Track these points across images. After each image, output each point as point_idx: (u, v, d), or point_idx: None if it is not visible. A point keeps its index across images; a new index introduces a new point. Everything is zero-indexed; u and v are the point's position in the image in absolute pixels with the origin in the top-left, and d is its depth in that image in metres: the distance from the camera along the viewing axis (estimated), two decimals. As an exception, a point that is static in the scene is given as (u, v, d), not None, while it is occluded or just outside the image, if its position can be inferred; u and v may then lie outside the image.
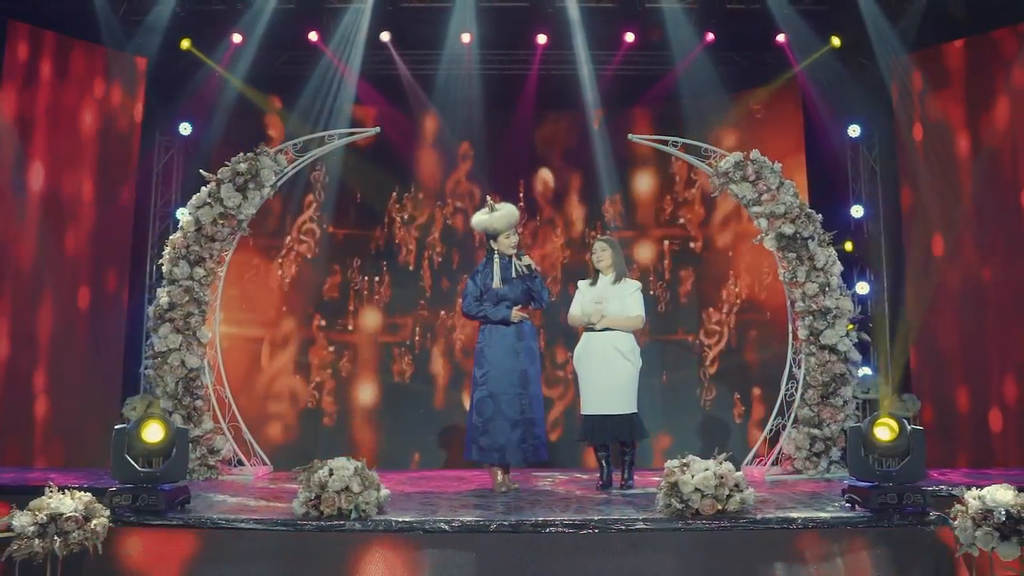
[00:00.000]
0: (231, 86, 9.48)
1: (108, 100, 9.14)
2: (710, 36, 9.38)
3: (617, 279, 6.21)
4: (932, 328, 8.90)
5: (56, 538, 3.86)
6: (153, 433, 4.49)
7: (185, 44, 9.30)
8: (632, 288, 6.22)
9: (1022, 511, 3.91)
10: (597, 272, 6.31)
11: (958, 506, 4.12)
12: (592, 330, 6.16)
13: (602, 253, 6.25)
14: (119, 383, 9.13)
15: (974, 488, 4.14)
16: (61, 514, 3.91)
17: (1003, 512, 3.91)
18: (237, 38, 9.27)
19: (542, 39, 9.44)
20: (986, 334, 8.48)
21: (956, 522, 4.09)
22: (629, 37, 9.42)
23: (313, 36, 9.32)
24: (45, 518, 3.89)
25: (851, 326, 8.71)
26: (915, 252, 9.10)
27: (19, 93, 8.45)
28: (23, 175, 8.43)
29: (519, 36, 9.53)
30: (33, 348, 8.40)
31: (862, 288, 9.93)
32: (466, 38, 9.30)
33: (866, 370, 9.64)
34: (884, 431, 4.49)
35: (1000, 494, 3.98)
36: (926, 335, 8.97)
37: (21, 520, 3.90)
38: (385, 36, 9.38)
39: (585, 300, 6.24)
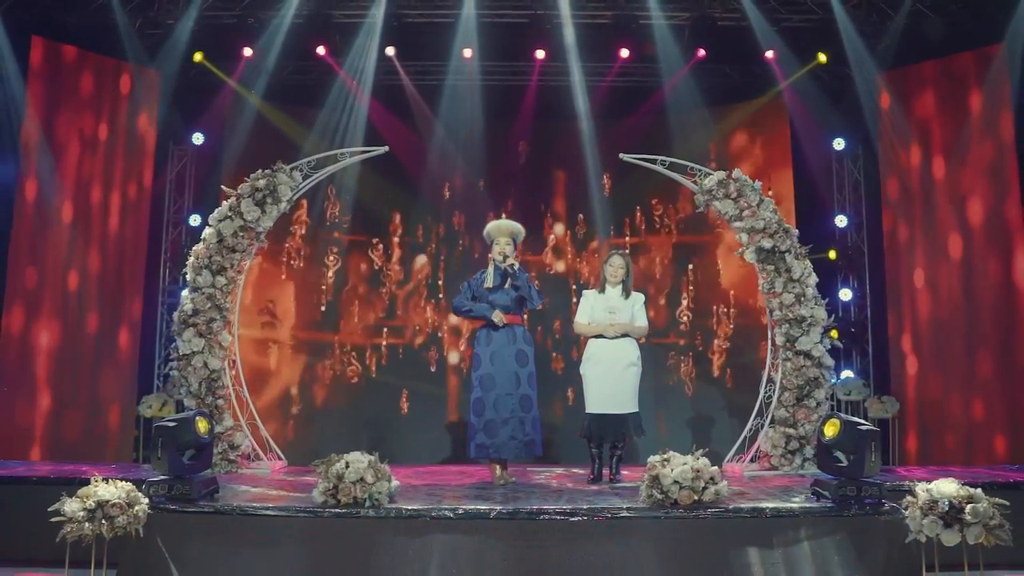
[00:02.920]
0: (242, 98, 9.88)
1: (125, 111, 9.51)
2: (701, 52, 9.78)
3: (626, 292, 6.61)
4: (914, 332, 9.32)
5: (104, 522, 4.32)
6: (203, 427, 4.97)
7: (198, 57, 9.67)
8: (640, 301, 6.64)
9: (963, 502, 4.38)
10: (604, 282, 6.67)
11: (909, 498, 4.58)
12: (602, 337, 6.55)
13: (619, 268, 6.61)
14: (135, 382, 9.56)
15: (924, 482, 4.61)
16: (107, 501, 4.38)
17: (947, 502, 4.39)
18: (247, 51, 9.65)
19: (541, 54, 9.82)
20: (964, 339, 8.88)
21: (907, 512, 4.56)
22: (624, 52, 9.79)
23: (321, 50, 9.70)
24: (93, 504, 4.36)
25: (835, 333, 9.20)
26: (895, 262, 9.53)
27: (42, 105, 8.82)
28: (50, 185, 8.84)
29: (519, 49, 9.92)
30: (56, 349, 8.79)
31: (845, 295, 10.36)
32: (468, 53, 9.68)
33: (848, 373, 10.09)
34: (829, 428, 4.98)
35: (945, 487, 4.45)
36: (907, 338, 9.39)
37: (72, 506, 4.37)
38: (390, 51, 9.75)
39: (595, 310, 6.60)
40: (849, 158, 10.53)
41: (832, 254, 10.33)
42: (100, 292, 9.19)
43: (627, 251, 6.84)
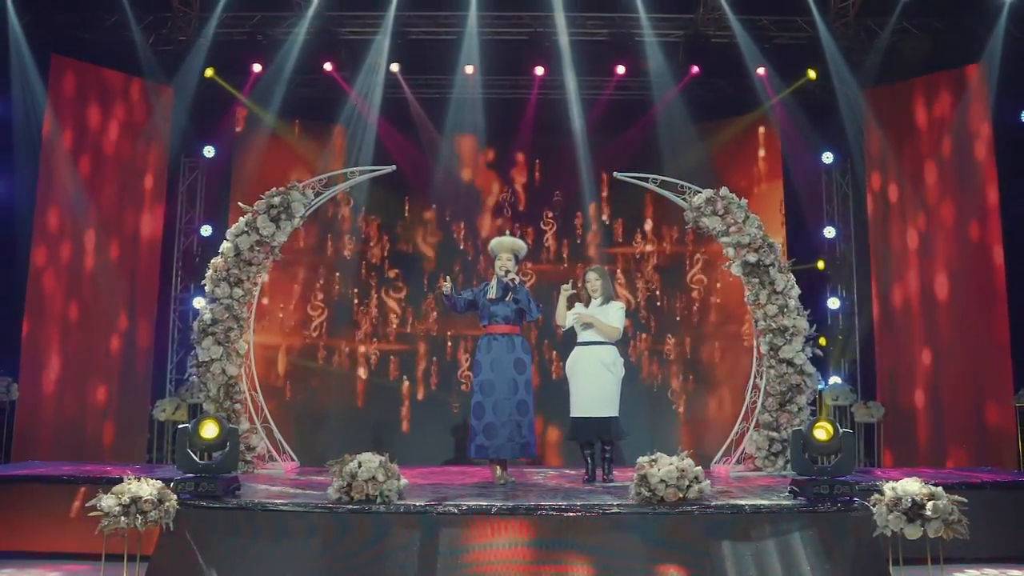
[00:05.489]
0: (252, 112, 10.27)
1: (138, 125, 9.89)
2: (695, 69, 10.17)
3: (605, 302, 6.98)
4: (900, 339, 9.66)
5: (138, 516, 4.71)
6: (209, 430, 5.34)
7: (209, 72, 10.05)
8: (615, 307, 7.00)
9: (924, 499, 4.77)
10: (588, 296, 7.08)
11: (877, 495, 4.97)
12: (581, 344, 6.93)
13: (595, 283, 7.00)
14: (148, 386, 9.89)
15: (891, 481, 5.00)
16: (140, 497, 4.77)
17: (910, 499, 4.77)
18: (257, 67, 10.04)
19: (540, 71, 10.21)
20: (948, 345, 9.25)
21: (875, 508, 4.94)
22: (620, 69, 10.17)
23: (328, 66, 10.09)
24: (128, 500, 4.74)
25: (823, 340, 9.58)
26: (881, 271, 9.89)
27: (60, 120, 9.19)
28: (67, 197, 9.21)
29: (519, 65, 10.33)
30: (72, 354, 9.17)
31: (833, 303, 10.73)
32: (469, 69, 10.07)
33: (836, 379, 10.45)
34: (821, 432, 5.35)
35: (909, 485, 4.84)
36: (892, 346, 9.76)
37: (108, 502, 4.76)
38: (395, 67, 10.14)
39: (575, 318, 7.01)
40: (837, 171, 10.91)
41: (820, 264, 10.69)
42: (114, 299, 9.54)
43: (598, 266, 7.21)
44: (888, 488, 4.91)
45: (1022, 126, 9.28)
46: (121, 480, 4.96)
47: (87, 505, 4.86)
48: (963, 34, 9.47)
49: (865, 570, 4.98)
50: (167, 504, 4.85)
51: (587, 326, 6.90)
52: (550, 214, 10.78)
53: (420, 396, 10.33)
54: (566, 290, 6.90)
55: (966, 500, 4.88)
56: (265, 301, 10.07)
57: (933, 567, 4.88)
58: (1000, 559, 6.01)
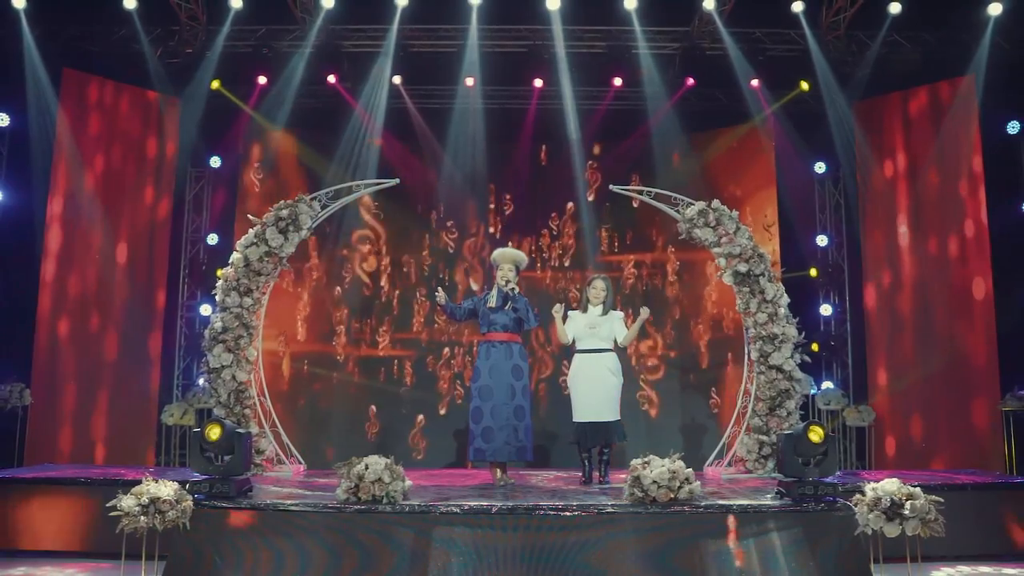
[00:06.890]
0: (257, 123, 10.49)
1: (146, 136, 10.14)
2: (690, 81, 10.39)
3: (605, 311, 7.23)
4: (889, 345, 9.91)
5: (156, 516, 4.95)
6: (212, 433, 5.59)
7: (215, 84, 10.24)
8: (618, 317, 7.27)
9: (903, 499, 5.01)
10: (587, 303, 7.30)
11: (858, 495, 5.22)
12: (585, 352, 7.15)
13: (601, 292, 7.24)
14: (156, 391, 10.08)
15: (872, 482, 5.25)
16: (158, 497, 5.01)
17: (889, 499, 5.02)
18: (262, 79, 10.28)
19: (539, 83, 10.44)
20: (935, 351, 9.50)
21: (857, 508, 5.19)
22: (617, 81, 10.42)
23: (331, 79, 10.33)
24: (147, 500, 4.99)
25: (815, 346, 9.80)
26: (872, 278, 10.13)
27: (70, 132, 9.44)
28: (77, 207, 9.47)
29: (519, 77, 10.56)
30: (82, 361, 9.40)
31: (826, 310, 10.96)
32: (470, 82, 10.29)
33: (828, 384, 10.68)
34: (815, 435, 5.60)
35: (888, 486, 5.08)
36: (883, 351, 9.98)
37: (127, 502, 5.00)
38: (397, 79, 10.36)
39: (578, 327, 7.21)
40: (830, 180, 11.13)
41: (813, 272, 10.92)
42: (122, 306, 9.76)
43: (605, 276, 7.46)
44: (868, 488, 5.15)
45: (1009, 136, 9.54)
46: (139, 482, 5.20)
47: (107, 505, 5.09)
48: (952, 46, 9.71)
49: (847, 567, 5.23)
50: (184, 504, 5.10)
51: (590, 335, 7.12)
52: (547, 224, 10.92)
53: (423, 401, 10.48)
54: (558, 311, 7.17)
55: (943, 500, 5.12)
56: (296, 315, 10.34)
57: (912, 564, 5.12)
58: (981, 556, 6.25)
